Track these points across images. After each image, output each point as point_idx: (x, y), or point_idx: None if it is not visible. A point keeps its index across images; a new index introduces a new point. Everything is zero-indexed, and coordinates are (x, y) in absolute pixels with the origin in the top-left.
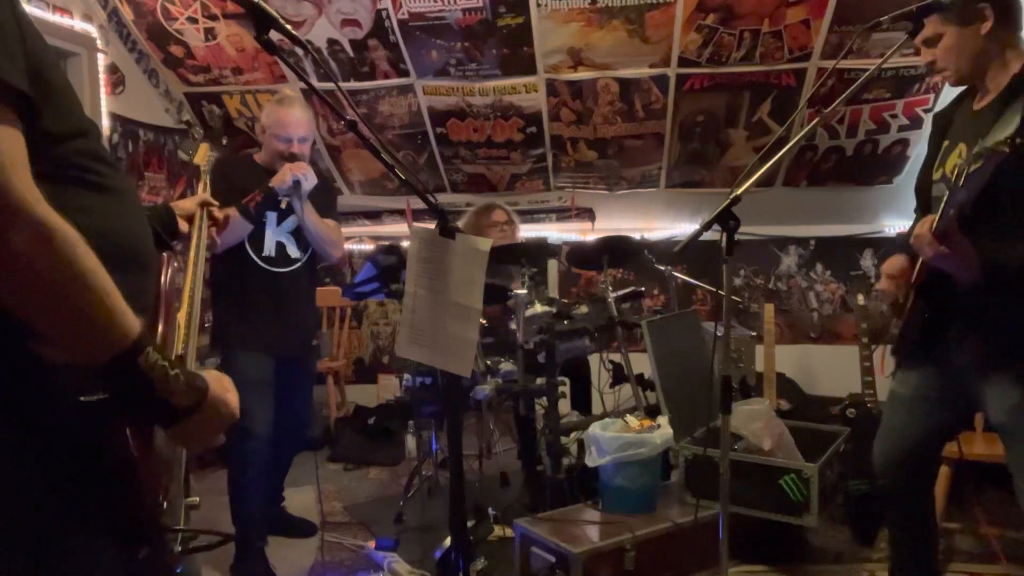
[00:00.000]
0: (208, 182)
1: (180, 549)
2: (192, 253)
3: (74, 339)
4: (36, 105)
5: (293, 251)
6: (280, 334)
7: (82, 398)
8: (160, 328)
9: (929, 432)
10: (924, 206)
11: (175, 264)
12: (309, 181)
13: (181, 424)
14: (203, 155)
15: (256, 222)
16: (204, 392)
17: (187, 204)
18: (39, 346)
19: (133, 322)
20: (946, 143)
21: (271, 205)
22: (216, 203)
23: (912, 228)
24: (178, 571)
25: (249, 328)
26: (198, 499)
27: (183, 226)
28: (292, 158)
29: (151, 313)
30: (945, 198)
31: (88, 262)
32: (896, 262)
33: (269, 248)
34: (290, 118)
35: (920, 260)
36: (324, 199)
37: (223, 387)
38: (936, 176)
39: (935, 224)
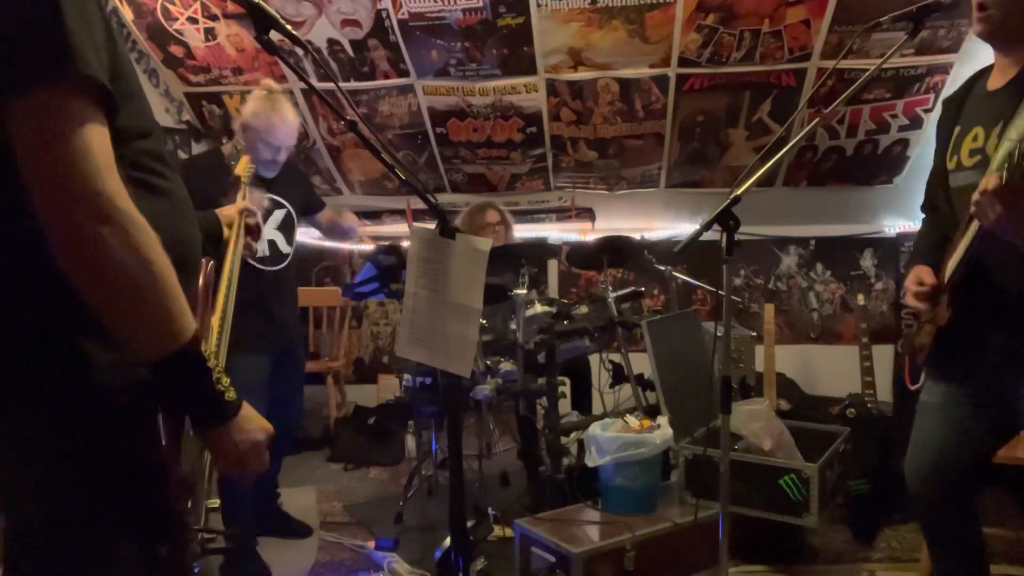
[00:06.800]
0: (246, 192)
1: (199, 549)
2: (228, 259)
3: (145, 331)
4: (116, 104)
5: (283, 246)
6: (276, 331)
7: (118, 394)
8: None
9: (961, 442)
10: (930, 201)
11: (210, 268)
12: (266, 208)
13: (229, 423)
14: (244, 167)
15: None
16: (240, 397)
17: (229, 211)
18: (88, 341)
19: (192, 318)
20: (958, 129)
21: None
22: (255, 210)
23: (923, 229)
24: (195, 571)
25: (245, 329)
26: (219, 502)
27: (226, 232)
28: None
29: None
30: (1012, 149)
31: (164, 259)
32: (921, 273)
33: (263, 249)
34: (284, 127)
35: (953, 260)
36: (305, 189)
37: (247, 406)
38: (951, 165)
39: (1004, 176)
